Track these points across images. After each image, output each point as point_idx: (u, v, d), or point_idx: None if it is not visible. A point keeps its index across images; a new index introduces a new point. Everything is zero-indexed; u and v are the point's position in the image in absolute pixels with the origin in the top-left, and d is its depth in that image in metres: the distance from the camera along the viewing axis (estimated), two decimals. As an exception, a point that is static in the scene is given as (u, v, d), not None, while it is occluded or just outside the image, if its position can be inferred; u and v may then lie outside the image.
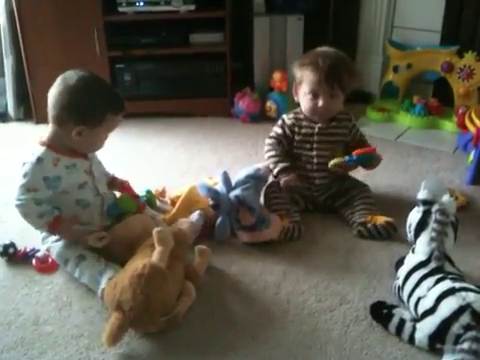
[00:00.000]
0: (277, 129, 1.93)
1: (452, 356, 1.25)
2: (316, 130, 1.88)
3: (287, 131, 1.91)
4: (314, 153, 1.89)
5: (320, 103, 1.82)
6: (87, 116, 1.54)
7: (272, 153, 1.91)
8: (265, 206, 1.91)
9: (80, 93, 1.54)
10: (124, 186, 1.81)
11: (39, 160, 1.54)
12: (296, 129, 1.90)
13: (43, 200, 1.54)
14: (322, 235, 1.82)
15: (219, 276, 1.62)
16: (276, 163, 1.88)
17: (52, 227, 1.56)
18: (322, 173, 1.91)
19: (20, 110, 2.90)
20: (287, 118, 1.92)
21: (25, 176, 1.53)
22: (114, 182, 1.81)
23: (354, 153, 1.83)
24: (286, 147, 1.92)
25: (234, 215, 1.77)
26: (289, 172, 1.86)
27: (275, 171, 1.88)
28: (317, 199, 1.94)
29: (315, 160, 1.90)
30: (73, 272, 1.57)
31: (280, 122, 1.94)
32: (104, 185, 1.72)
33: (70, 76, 1.56)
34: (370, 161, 1.88)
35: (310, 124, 1.89)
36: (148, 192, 1.95)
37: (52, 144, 1.57)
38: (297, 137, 1.90)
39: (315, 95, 1.82)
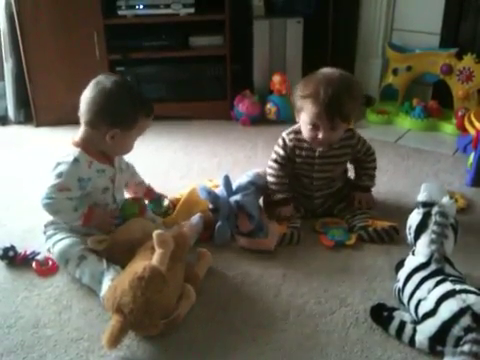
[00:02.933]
0: (279, 150, 1.87)
1: (453, 358, 1.25)
2: (317, 154, 1.84)
3: (289, 152, 1.86)
4: (314, 175, 1.87)
5: (320, 135, 1.75)
6: (121, 119, 1.59)
7: (272, 180, 1.88)
8: (265, 211, 1.91)
9: (114, 97, 1.58)
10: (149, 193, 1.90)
11: (75, 161, 1.57)
12: (297, 152, 1.85)
13: (73, 198, 1.57)
14: (322, 237, 1.81)
15: (219, 278, 1.62)
16: (275, 192, 1.87)
17: (88, 216, 1.60)
18: (321, 192, 1.91)
19: (20, 113, 2.90)
20: (288, 139, 1.85)
21: (59, 176, 1.55)
22: (150, 193, 1.89)
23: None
24: (289, 169, 1.88)
25: (233, 220, 1.77)
26: (287, 203, 1.86)
27: (273, 199, 1.88)
28: (317, 210, 1.93)
29: (315, 182, 1.88)
30: (74, 272, 1.57)
31: (281, 143, 1.87)
32: (122, 194, 1.76)
33: (103, 80, 1.60)
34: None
35: (311, 147, 1.83)
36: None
37: (85, 146, 1.61)
38: (298, 159, 1.86)
39: (315, 127, 1.76)
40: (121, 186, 1.76)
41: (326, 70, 1.79)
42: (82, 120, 1.61)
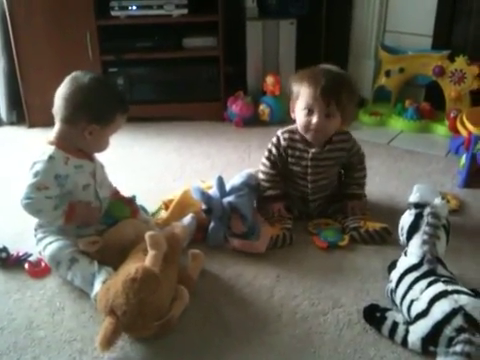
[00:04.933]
0: (272, 148, 1.87)
1: (445, 359, 1.25)
2: (310, 155, 1.82)
3: (281, 151, 1.86)
4: (309, 178, 1.86)
5: (314, 120, 1.74)
6: (100, 115, 1.58)
7: (264, 177, 1.89)
8: (259, 211, 1.91)
9: (94, 92, 1.57)
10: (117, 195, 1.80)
11: (51, 158, 1.55)
12: (290, 151, 1.85)
13: (53, 196, 1.55)
14: (315, 239, 1.82)
15: (213, 280, 1.62)
16: (266, 190, 1.88)
17: (69, 213, 1.57)
18: (317, 195, 1.90)
19: (13, 114, 2.89)
20: (282, 138, 1.85)
21: (36, 175, 1.53)
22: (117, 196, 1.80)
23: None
24: (281, 169, 1.88)
25: (226, 221, 1.77)
26: (277, 201, 1.86)
27: (264, 195, 1.89)
28: (311, 213, 1.93)
29: (310, 185, 1.87)
30: (65, 275, 1.56)
31: (275, 141, 1.87)
32: (105, 190, 1.73)
33: (80, 76, 1.58)
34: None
35: (305, 148, 1.82)
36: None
37: (61, 143, 1.59)
38: (291, 159, 1.85)
39: (310, 111, 1.75)
40: (103, 182, 1.72)
41: (324, 64, 1.82)
42: (57, 117, 1.59)
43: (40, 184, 1.53)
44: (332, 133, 1.81)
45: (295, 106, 1.81)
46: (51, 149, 1.57)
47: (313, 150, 1.82)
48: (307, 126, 1.77)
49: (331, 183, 1.92)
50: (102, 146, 1.67)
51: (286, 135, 1.86)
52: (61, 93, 1.58)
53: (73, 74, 1.60)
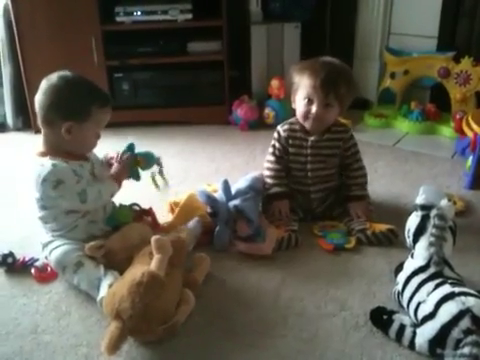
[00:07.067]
0: (275, 143, 1.91)
1: (452, 361, 1.24)
2: (309, 143, 1.86)
3: (283, 143, 1.89)
4: (308, 166, 1.89)
5: (313, 110, 1.79)
6: (72, 111, 1.56)
7: (268, 173, 1.92)
8: (263, 213, 1.91)
9: (63, 89, 1.57)
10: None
11: (54, 165, 1.54)
12: (290, 141, 1.89)
13: (88, 183, 1.59)
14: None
15: (218, 283, 1.62)
16: (271, 186, 1.90)
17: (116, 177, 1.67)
18: (317, 186, 1.91)
19: (19, 120, 2.91)
20: (282, 130, 1.90)
21: (59, 183, 1.52)
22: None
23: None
24: (286, 162, 1.91)
25: (232, 224, 1.77)
26: (282, 199, 1.88)
27: (268, 193, 1.91)
28: (315, 210, 1.93)
29: (310, 174, 1.89)
30: (72, 279, 1.56)
31: (276, 135, 1.92)
32: (103, 173, 1.72)
33: (52, 77, 1.60)
34: None
35: (304, 136, 1.87)
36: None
37: (50, 151, 1.59)
38: (291, 149, 1.89)
39: (310, 101, 1.80)
40: (103, 178, 1.70)
41: (325, 57, 1.87)
42: (38, 121, 1.60)
43: (74, 184, 1.54)
44: (330, 122, 1.86)
45: (295, 96, 1.87)
46: (46, 159, 1.56)
47: (312, 138, 1.86)
48: (306, 115, 1.83)
49: (331, 176, 1.92)
50: (87, 144, 1.65)
51: (286, 127, 1.91)
52: (36, 97, 1.60)
53: (47, 77, 1.62)
